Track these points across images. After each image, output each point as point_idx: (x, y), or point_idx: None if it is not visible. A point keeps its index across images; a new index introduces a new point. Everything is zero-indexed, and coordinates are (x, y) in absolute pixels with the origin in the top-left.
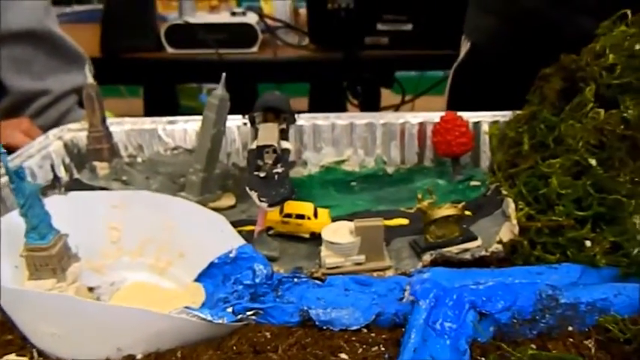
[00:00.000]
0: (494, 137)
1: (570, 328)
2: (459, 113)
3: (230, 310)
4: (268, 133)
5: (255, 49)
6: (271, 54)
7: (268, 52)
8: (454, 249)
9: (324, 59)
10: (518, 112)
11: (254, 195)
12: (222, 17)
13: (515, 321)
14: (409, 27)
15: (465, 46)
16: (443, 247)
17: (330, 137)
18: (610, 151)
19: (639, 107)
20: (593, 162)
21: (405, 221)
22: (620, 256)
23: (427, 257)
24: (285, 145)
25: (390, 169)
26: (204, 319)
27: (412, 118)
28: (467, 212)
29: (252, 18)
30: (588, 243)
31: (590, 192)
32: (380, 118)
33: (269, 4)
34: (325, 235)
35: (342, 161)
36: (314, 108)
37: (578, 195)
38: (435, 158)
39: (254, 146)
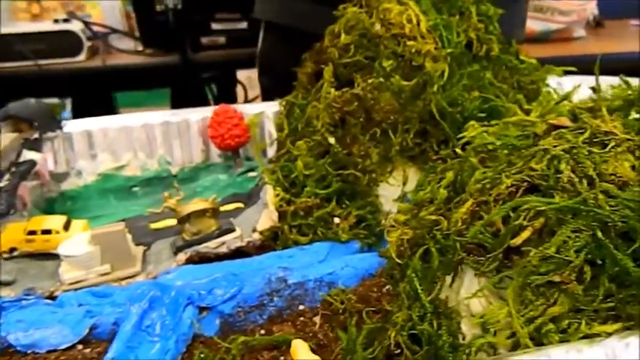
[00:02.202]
0: (255, 126)
1: (302, 307)
2: (234, 105)
3: None
4: None
5: (81, 57)
6: (100, 62)
7: (97, 60)
8: (211, 244)
9: (160, 64)
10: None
11: None
12: (42, 26)
13: (240, 310)
14: (244, 25)
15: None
16: (199, 243)
17: (104, 143)
18: (346, 128)
19: (367, 83)
20: (332, 141)
21: (172, 222)
22: (361, 229)
23: (181, 256)
24: (29, 155)
25: (174, 170)
26: None
27: (190, 114)
28: (239, 204)
29: (76, 25)
30: (337, 220)
31: (330, 170)
32: (156, 118)
33: (97, 9)
34: (60, 249)
35: (122, 167)
36: None
37: (321, 174)
38: (223, 153)
39: None
